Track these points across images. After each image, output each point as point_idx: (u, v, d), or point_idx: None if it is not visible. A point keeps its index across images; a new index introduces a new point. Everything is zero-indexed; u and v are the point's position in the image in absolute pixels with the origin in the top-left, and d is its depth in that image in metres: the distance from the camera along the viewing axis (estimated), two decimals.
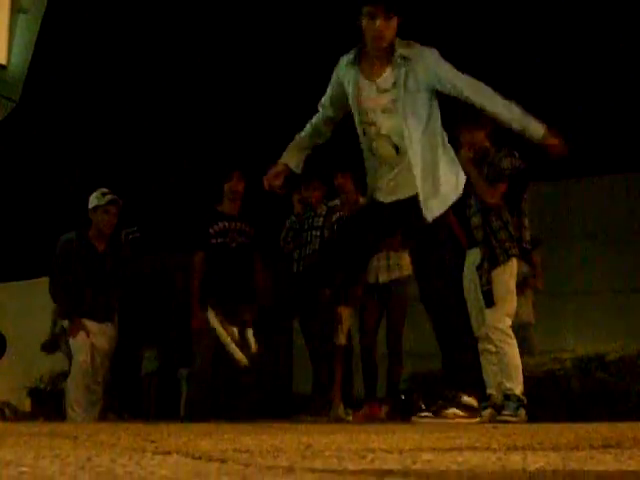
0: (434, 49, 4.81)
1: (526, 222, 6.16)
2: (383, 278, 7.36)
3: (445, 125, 5.00)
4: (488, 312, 5.96)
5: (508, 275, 5.97)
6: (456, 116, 6.36)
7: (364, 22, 4.70)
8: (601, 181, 13.30)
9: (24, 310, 10.94)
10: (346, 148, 5.33)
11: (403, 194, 4.82)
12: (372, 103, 4.79)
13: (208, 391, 7.07)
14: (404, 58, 4.73)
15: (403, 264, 7.37)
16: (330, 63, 5.05)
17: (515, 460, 1.75)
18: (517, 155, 6.13)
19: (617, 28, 13.68)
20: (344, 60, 4.95)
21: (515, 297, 6.02)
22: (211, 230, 7.29)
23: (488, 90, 4.86)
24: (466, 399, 4.59)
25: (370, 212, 5.06)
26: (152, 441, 2.53)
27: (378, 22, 4.63)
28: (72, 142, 16.99)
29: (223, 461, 1.74)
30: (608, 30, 13.68)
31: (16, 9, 7.94)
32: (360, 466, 1.64)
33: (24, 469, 1.51)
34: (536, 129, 4.85)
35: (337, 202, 7.79)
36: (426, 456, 1.86)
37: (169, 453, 1.96)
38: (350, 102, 4.87)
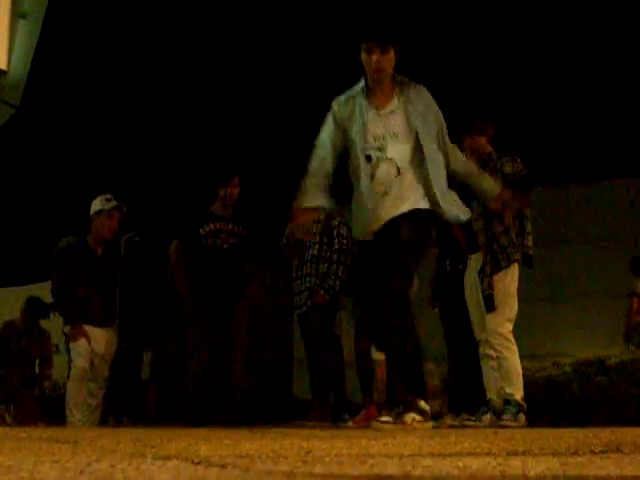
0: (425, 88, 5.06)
1: (528, 227, 6.16)
2: None
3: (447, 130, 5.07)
4: (489, 317, 5.96)
5: (510, 280, 5.98)
6: (458, 122, 6.38)
7: (363, 57, 4.91)
8: (602, 186, 13.30)
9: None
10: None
11: (390, 214, 4.92)
12: (381, 129, 4.91)
13: (205, 393, 7.06)
14: (404, 85, 4.99)
15: None
16: (324, 72, 5.18)
17: (515, 465, 1.74)
18: (519, 160, 6.14)
19: (618, 34, 13.69)
20: (342, 98, 5.09)
21: (516, 302, 6.02)
22: (201, 231, 7.28)
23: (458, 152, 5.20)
24: (422, 404, 4.67)
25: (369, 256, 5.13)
26: (152, 446, 2.53)
27: (375, 57, 4.85)
28: (70, 147, 17.00)
29: (223, 466, 1.74)
30: (609, 35, 13.69)
31: (16, 14, 7.94)
32: (360, 471, 1.64)
33: (24, 474, 1.50)
34: (491, 188, 5.32)
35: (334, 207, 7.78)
36: (426, 461, 1.86)
37: (169, 458, 1.96)
38: (354, 133, 4.96)
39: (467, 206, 6.31)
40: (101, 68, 16.13)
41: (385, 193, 4.89)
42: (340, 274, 7.52)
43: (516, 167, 6.10)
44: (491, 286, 5.95)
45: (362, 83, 5.03)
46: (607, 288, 10.53)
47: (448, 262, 6.93)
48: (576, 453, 2.14)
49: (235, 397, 7.15)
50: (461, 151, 6.32)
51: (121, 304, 7.59)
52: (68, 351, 7.30)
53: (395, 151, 4.89)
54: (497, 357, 5.96)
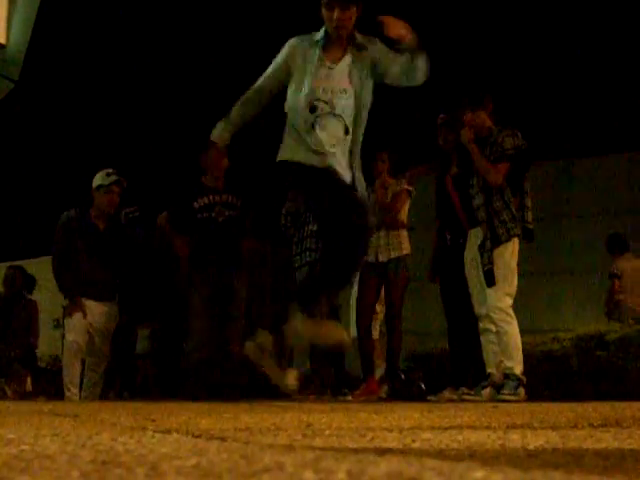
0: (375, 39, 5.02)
1: (528, 202, 6.16)
2: (382, 257, 7.34)
3: (448, 105, 5.06)
4: (489, 291, 5.97)
5: (510, 255, 5.98)
6: (458, 96, 6.36)
7: (323, 12, 4.88)
8: (603, 160, 13.28)
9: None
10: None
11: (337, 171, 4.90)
12: (329, 83, 4.90)
13: (206, 368, 7.06)
14: (361, 48, 4.96)
15: (403, 243, 7.36)
16: None
17: (514, 439, 1.75)
18: (519, 135, 6.12)
19: (616, 12, 13.63)
20: (301, 39, 5.07)
21: (516, 277, 6.02)
22: (195, 204, 7.19)
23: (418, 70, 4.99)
24: None
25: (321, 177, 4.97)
26: (152, 420, 2.54)
27: (336, 13, 4.82)
28: (71, 121, 16.96)
29: (223, 439, 1.75)
30: (608, 14, 13.63)
31: None
32: (360, 444, 1.64)
33: (25, 447, 1.51)
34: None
35: None
36: (426, 435, 1.87)
37: (169, 432, 1.97)
38: (301, 79, 4.95)
39: (466, 182, 6.33)
40: (99, 42, 16.07)
41: (333, 146, 4.86)
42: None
43: (516, 141, 6.08)
44: (491, 261, 5.95)
45: (322, 33, 4.99)
46: (608, 263, 10.52)
47: (449, 236, 6.93)
48: (575, 427, 2.15)
49: (234, 370, 7.16)
50: (461, 126, 6.33)
51: (121, 278, 7.58)
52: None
53: (343, 107, 4.88)
54: (497, 331, 5.97)
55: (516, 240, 6.00)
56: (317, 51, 4.95)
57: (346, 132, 4.89)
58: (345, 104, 4.88)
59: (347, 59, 4.96)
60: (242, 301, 7.27)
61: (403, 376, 7.41)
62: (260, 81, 5.14)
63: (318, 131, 4.85)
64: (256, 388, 7.25)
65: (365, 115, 4.95)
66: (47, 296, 10.40)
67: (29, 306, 10.09)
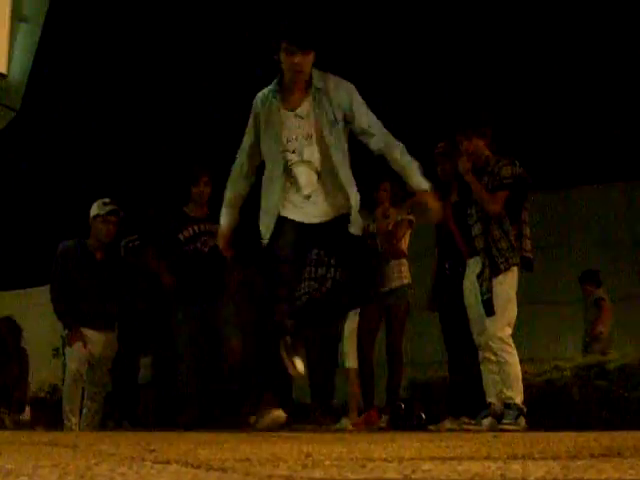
0: (350, 84, 4.97)
1: (527, 231, 6.16)
2: (383, 287, 7.34)
3: (445, 134, 5.05)
4: (489, 321, 5.96)
5: (509, 284, 5.97)
6: (455, 125, 6.38)
7: (282, 56, 4.81)
8: (601, 189, 13.31)
9: (22, 319, 10.94)
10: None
11: (319, 218, 5.01)
12: (294, 132, 4.87)
13: (197, 396, 7.03)
14: (319, 89, 4.87)
15: (403, 272, 7.37)
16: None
17: (515, 469, 1.74)
18: (517, 164, 6.14)
19: (616, 39, 13.69)
20: (259, 97, 5.05)
21: (515, 306, 6.01)
22: (181, 236, 7.18)
23: (390, 139, 4.99)
24: None
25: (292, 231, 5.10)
26: (152, 450, 2.53)
27: (297, 58, 4.75)
28: (71, 150, 17.01)
29: (223, 470, 1.74)
30: (607, 40, 13.69)
31: (17, 18, 7.94)
32: (360, 475, 1.64)
33: (24, 478, 1.51)
34: (419, 181, 4.96)
35: None
36: (426, 465, 1.86)
37: (169, 462, 1.96)
38: (268, 133, 4.95)
39: (465, 211, 6.34)
40: (101, 71, 16.15)
41: (308, 197, 4.91)
42: (338, 277, 7.49)
43: (514, 170, 6.09)
44: (490, 290, 5.94)
45: (275, 82, 4.98)
46: (607, 291, 10.52)
47: (448, 266, 6.92)
48: (576, 457, 2.14)
49: (230, 400, 7.14)
50: (459, 155, 6.34)
51: (120, 308, 7.57)
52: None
53: (310, 154, 4.86)
54: (497, 361, 5.96)
55: (515, 269, 5.99)
56: (275, 102, 4.93)
57: (318, 177, 4.88)
58: (312, 150, 4.85)
59: (306, 104, 4.89)
60: (231, 312, 7.23)
61: (403, 406, 7.38)
62: (239, 158, 5.17)
63: (297, 178, 4.89)
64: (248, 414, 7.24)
65: (338, 156, 4.87)
66: (46, 325, 10.39)
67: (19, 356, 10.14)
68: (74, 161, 16.96)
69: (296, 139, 4.86)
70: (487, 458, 2.11)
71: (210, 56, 15.10)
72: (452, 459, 2.07)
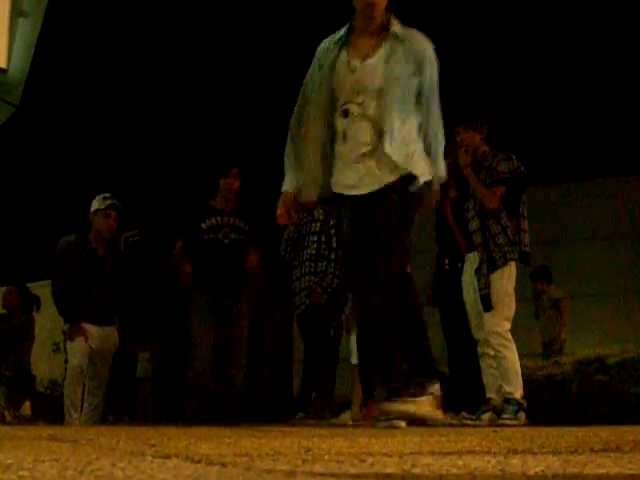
0: (430, 43, 4.50)
1: (525, 225, 6.16)
2: None
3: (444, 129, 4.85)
4: (487, 316, 5.96)
5: (507, 279, 5.97)
6: (452, 119, 6.37)
7: None
8: (600, 184, 13.31)
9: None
10: None
11: (368, 188, 4.38)
12: (361, 82, 4.37)
13: (207, 393, 7.03)
14: (397, 37, 4.41)
15: None
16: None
17: (515, 464, 1.75)
18: (515, 158, 6.14)
19: (617, 36, 13.69)
20: (324, 44, 4.62)
21: (514, 301, 6.01)
22: (203, 225, 7.12)
23: (433, 118, 4.48)
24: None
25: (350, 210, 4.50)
26: (152, 445, 2.53)
27: None
28: (71, 146, 17.00)
29: (223, 465, 1.74)
30: (608, 36, 13.69)
31: (16, 13, 7.93)
32: (360, 470, 1.64)
33: (23, 473, 1.51)
34: (438, 170, 4.47)
35: (331, 207, 7.80)
36: (426, 460, 1.86)
37: (169, 457, 1.96)
38: (330, 84, 4.43)
39: (463, 206, 6.33)
40: (100, 66, 16.14)
41: (364, 155, 4.37)
42: (338, 273, 7.51)
43: (511, 165, 6.09)
44: (488, 285, 5.94)
45: (344, 29, 4.52)
46: (606, 286, 10.55)
47: (447, 261, 6.93)
48: (576, 451, 2.14)
49: (235, 395, 7.13)
50: (455, 146, 6.32)
51: (120, 302, 7.58)
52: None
53: (375, 108, 4.35)
54: (496, 356, 5.96)
55: (513, 264, 6.00)
56: (344, 49, 4.45)
57: (380, 134, 4.31)
58: (379, 105, 4.31)
59: (380, 51, 4.38)
60: (245, 325, 7.23)
61: None
62: (298, 109, 4.66)
63: (346, 143, 4.38)
64: (254, 412, 7.24)
65: (402, 114, 4.30)
66: (47, 320, 10.39)
67: (24, 325, 10.09)
68: (74, 156, 16.95)
69: (364, 91, 4.34)
70: (487, 453, 2.11)
71: (234, 48, 15.08)
72: (452, 454, 2.07)
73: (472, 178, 6.13)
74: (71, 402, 7.12)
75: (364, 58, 4.41)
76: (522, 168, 6.12)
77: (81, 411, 7.20)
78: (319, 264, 7.59)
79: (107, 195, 7.37)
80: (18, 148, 15.58)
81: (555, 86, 14.05)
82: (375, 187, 4.36)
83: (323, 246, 7.61)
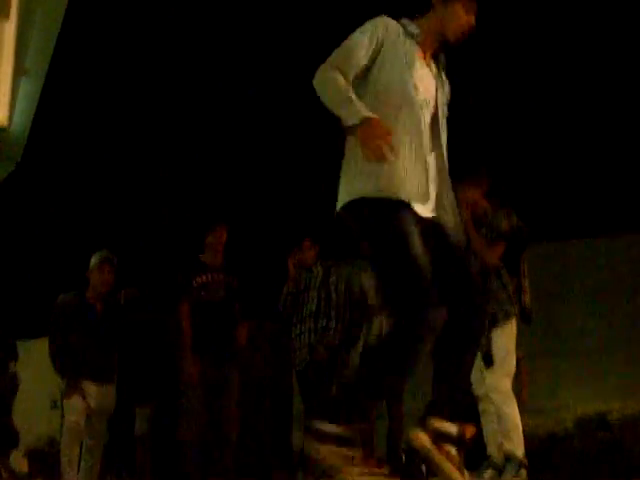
0: None
1: (526, 283, 6.15)
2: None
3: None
4: (487, 373, 5.94)
5: (507, 336, 5.96)
6: (452, 175, 6.40)
7: (456, 8, 3.85)
8: (599, 242, 13.35)
9: (21, 370, 10.90)
10: None
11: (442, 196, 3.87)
12: (427, 85, 3.81)
13: (202, 449, 6.98)
14: (444, 67, 3.98)
15: None
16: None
17: None
18: (515, 215, 6.16)
19: (613, 93, 13.84)
20: (390, 21, 3.85)
21: (514, 357, 6.00)
22: (194, 282, 7.16)
23: None
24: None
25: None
26: None
27: (472, 19, 3.87)
28: (70, 202, 17.09)
29: None
30: (603, 94, 13.84)
31: (20, 72, 8.01)
32: None
33: None
34: None
35: (331, 263, 7.82)
36: None
37: None
38: (397, 67, 3.73)
39: None
40: (99, 125, 16.29)
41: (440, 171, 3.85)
42: (340, 330, 7.49)
43: (512, 221, 6.11)
44: (489, 341, 5.93)
45: (416, 29, 3.87)
46: (606, 343, 10.52)
47: None
48: None
49: (231, 459, 7.08)
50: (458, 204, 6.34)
51: (119, 360, 7.55)
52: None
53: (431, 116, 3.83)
54: (497, 413, 5.93)
55: (514, 320, 5.99)
56: (413, 45, 3.83)
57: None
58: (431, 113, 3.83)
59: (433, 68, 3.91)
60: (235, 391, 7.20)
61: (404, 457, 7.33)
62: (354, 57, 3.68)
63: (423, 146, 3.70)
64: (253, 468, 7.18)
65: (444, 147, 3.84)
66: (44, 377, 10.34)
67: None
68: (74, 212, 17.02)
69: (429, 92, 3.82)
70: None
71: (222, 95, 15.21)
72: None
73: (472, 233, 6.14)
74: (68, 460, 7.06)
75: (428, 65, 3.92)
76: (522, 225, 6.14)
77: (78, 469, 7.14)
78: (320, 320, 7.57)
79: (103, 252, 7.40)
80: (18, 204, 15.66)
81: (557, 143, 14.15)
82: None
83: (323, 303, 7.60)
